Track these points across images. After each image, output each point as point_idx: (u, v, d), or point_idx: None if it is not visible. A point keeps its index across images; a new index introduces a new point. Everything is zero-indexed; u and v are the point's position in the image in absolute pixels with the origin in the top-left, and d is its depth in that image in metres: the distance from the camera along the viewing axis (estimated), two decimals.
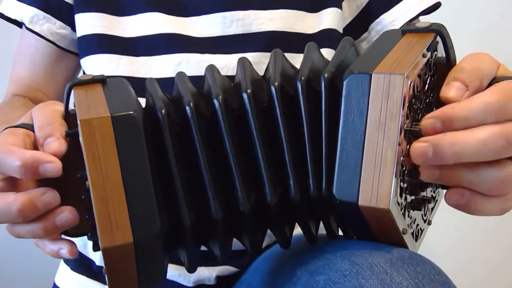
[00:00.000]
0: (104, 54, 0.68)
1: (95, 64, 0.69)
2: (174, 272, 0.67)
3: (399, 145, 0.39)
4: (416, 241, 0.46)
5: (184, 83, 0.47)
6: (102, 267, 0.71)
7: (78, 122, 0.39)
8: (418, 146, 0.39)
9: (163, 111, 0.43)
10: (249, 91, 0.44)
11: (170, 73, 0.66)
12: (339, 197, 0.42)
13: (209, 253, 0.49)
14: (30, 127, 0.45)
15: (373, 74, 0.40)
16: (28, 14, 0.72)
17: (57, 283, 0.75)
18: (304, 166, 0.45)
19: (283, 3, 0.69)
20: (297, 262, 0.49)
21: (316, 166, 0.45)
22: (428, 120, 0.39)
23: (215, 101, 0.44)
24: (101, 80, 0.46)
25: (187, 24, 0.69)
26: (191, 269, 0.48)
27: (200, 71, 0.49)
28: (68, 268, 0.75)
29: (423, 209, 0.46)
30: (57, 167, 0.40)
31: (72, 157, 0.41)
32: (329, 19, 0.71)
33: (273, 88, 0.45)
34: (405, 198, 0.43)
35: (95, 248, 0.44)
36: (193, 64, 0.66)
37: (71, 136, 0.43)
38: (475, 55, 0.43)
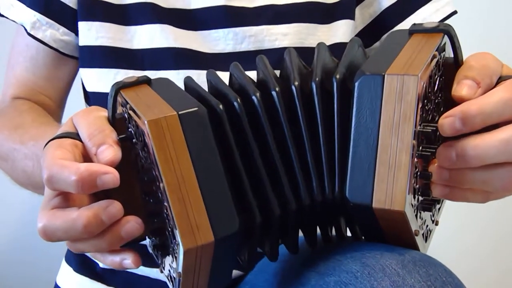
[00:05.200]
0: (110, 69, 0.66)
1: (99, 77, 0.67)
2: None
3: (413, 146, 0.39)
4: (425, 242, 0.46)
5: (219, 80, 0.47)
6: (106, 268, 0.71)
7: (146, 123, 0.38)
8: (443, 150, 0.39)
9: (221, 106, 0.42)
10: (277, 89, 0.44)
11: None
12: (352, 199, 0.41)
13: None
14: (75, 135, 0.44)
15: (386, 75, 0.40)
16: (30, 19, 0.68)
17: (59, 283, 0.75)
18: (320, 168, 0.45)
19: (295, 17, 0.68)
20: (306, 263, 0.49)
21: (330, 168, 0.44)
22: (446, 119, 0.39)
23: (254, 98, 0.44)
24: (147, 81, 0.45)
25: (196, 38, 0.67)
26: (249, 267, 0.47)
27: None
28: (70, 269, 0.74)
29: (433, 209, 0.45)
30: (115, 178, 0.38)
31: (123, 162, 0.40)
32: (341, 32, 0.69)
33: (293, 88, 0.44)
34: (418, 200, 0.42)
35: (163, 252, 0.43)
36: (204, 82, 0.64)
37: (124, 141, 0.42)
38: (480, 54, 0.44)
